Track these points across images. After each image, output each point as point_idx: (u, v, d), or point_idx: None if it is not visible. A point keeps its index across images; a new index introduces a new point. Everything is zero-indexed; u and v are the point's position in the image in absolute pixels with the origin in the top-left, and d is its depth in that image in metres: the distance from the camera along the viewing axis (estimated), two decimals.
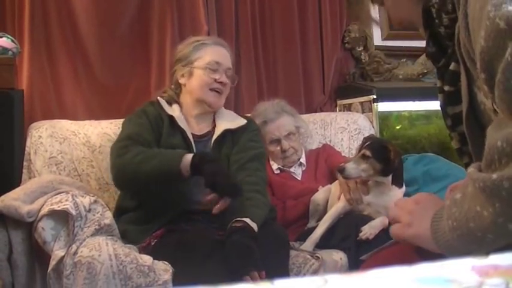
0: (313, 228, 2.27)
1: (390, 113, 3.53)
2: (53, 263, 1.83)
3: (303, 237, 2.28)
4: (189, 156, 1.93)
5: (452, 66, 1.03)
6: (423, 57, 3.65)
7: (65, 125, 2.48)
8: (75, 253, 1.79)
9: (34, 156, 2.35)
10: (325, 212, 2.35)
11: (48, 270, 1.84)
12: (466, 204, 0.86)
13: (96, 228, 1.86)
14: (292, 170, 2.64)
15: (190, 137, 2.16)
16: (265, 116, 2.61)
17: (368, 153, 2.14)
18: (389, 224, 2.14)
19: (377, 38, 3.69)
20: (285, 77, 3.29)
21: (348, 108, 3.36)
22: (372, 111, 3.21)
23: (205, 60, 2.23)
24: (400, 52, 3.74)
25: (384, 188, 2.21)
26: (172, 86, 2.32)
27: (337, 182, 2.35)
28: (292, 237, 2.31)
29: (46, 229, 1.87)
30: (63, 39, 2.74)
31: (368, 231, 2.10)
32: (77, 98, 2.77)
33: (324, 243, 2.20)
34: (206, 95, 2.22)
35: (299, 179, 2.62)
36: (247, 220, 1.89)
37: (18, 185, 2.18)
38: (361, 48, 3.51)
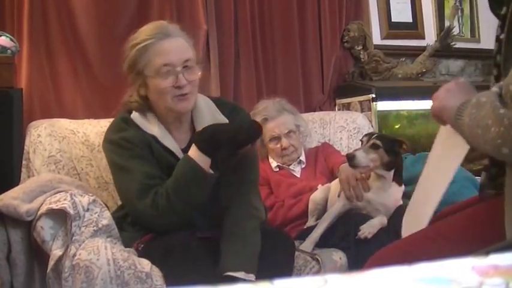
0: (313, 227, 2.27)
1: (389, 112, 3.53)
2: (51, 263, 1.82)
3: (303, 236, 2.28)
4: (192, 153, 1.88)
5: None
6: (422, 56, 3.66)
7: (64, 124, 2.48)
8: (73, 255, 1.78)
9: (33, 155, 2.35)
10: (324, 210, 2.35)
11: (47, 271, 1.83)
12: (483, 111, 1.04)
13: (94, 229, 1.85)
14: (291, 167, 2.64)
15: (179, 153, 1.98)
16: (266, 113, 2.61)
17: (378, 142, 2.14)
18: (388, 223, 2.16)
19: (376, 37, 3.69)
20: (284, 76, 3.28)
21: (347, 107, 3.36)
22: (371, 111, 3.21)
23: (154, 66, 1.90)
24: (399, 51, 3.75)
25: (384, 184, 2.22)
26: (138, 99, 2.00)
27: (336, 180, 2.35)
28: (291, 236, 2.31)
29: (45, 228, 1.87)
30: (62, 38, 2.74)
31: (367, 230, 2.10)
32: (76, 96, 2.77)
33: (324, 242, 2.21)
34: (171, 104, 1.93)
35: (298, 176, 2.63)
36: (242, 275, 1.76)
37: (17, 184, 2.17)
38: (360, 48, 3.51)
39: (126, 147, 1.93)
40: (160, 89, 1.91)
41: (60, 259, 1.82)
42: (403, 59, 3.70)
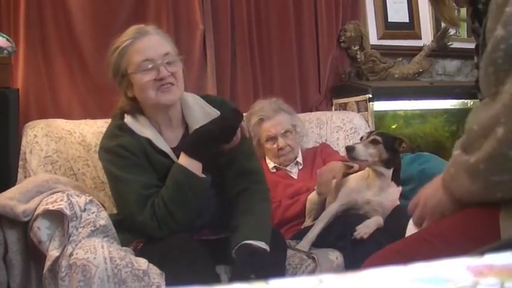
0: (310, 227, 2.28)
1: (386, 112, 3.53)
2: (48, 263, 1.82)
3: (299, 236, 2.28)
4: (182, 161, 1.90)
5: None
6: (419, 56, 3.67)
7: (61, 124, 2.47)
8: (70, 255, 1.79)
9: (29, 155, 2.35)
10: (321, 210, 2.35)
11: (44, 271, 1.83)
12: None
13: (91, 229, 1.85)
14: (288, 168, 2.64)
15: (174, 156, 1.98)
16: (262, 113, 2.61)
17: (379, 138, 2.17)
18: (385, 223, 2.17)
19: (373, 37, 3.70)
20: (280, 76, 3.29)
21: (344, 107, 3.36)
22: (367, 111, 3.21)
23: (135, 64, 1.94)
24: (396, 51, 3.74)
25: (384, 183, 2.22)
26: (128, 102, 2.03)
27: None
28: (288, 236, 2.31)
29: (42, 229, 1.86)
30: (58, 38, 2.74)
31: (362, 230, 2.10)
32: (73, 97, 2.77)
33: (320, 242, 2.21)
34: (156, 98, 1.94)
35: (295, 177, 2.62)
36: (263, 244, 1.83)
37: (14, 185, 2.17)
38: (356, 48, 3.51)
39: (122, 156, 1.94)
40: (143, 83, 1.93)
41: (56, 259, 1.82)
42: (400, 59, 3.70)
